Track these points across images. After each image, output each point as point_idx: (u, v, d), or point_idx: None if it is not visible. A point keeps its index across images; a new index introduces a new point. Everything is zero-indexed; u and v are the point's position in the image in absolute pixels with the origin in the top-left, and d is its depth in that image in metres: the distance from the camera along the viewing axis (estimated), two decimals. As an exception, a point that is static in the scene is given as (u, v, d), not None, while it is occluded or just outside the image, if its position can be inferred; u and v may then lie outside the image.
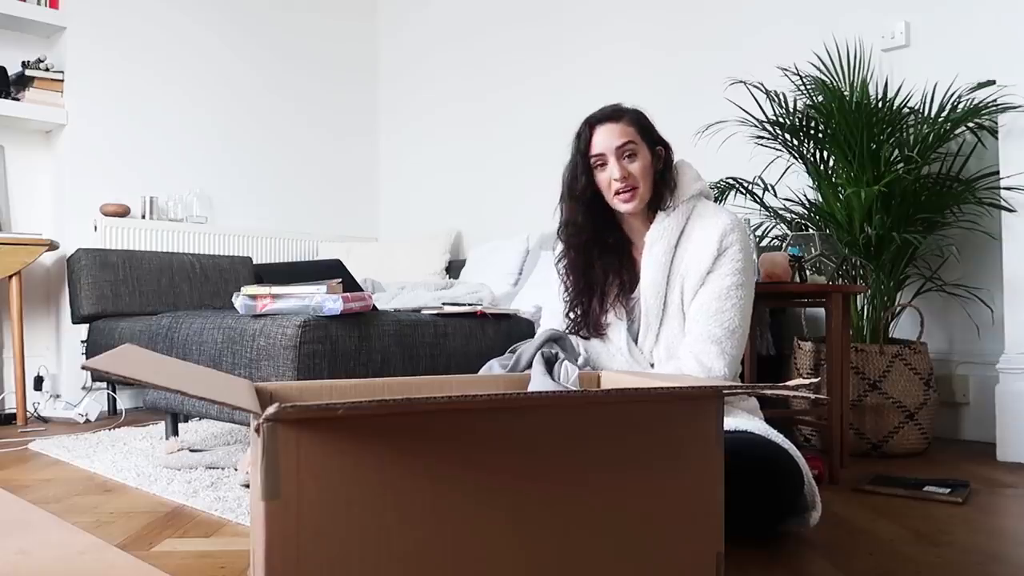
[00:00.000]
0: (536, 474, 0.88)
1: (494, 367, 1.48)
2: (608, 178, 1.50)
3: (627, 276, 1.55)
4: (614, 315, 1.55)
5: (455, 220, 4.13)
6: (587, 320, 1.56)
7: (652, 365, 1.53)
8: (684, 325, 1.50)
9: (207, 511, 1.65)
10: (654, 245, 1.51)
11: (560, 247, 1.61)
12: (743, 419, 1.47)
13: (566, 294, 1.59)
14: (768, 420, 1.55)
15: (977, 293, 2.45)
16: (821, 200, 2.51)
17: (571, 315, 1.58)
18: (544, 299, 1.80)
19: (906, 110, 2.41)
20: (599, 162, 1.51)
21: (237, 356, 1.97)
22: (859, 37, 2.63)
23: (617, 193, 1.49)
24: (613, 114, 1.52)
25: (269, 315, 1.95)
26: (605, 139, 1.49)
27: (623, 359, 1.54)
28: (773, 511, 1.39)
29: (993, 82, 2.31)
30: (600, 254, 1.56)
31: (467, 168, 4.14)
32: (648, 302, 1.51)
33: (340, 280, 1.97)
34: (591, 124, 1.52)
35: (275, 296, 1.95)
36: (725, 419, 1.44)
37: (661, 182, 1.53)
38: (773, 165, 2.65)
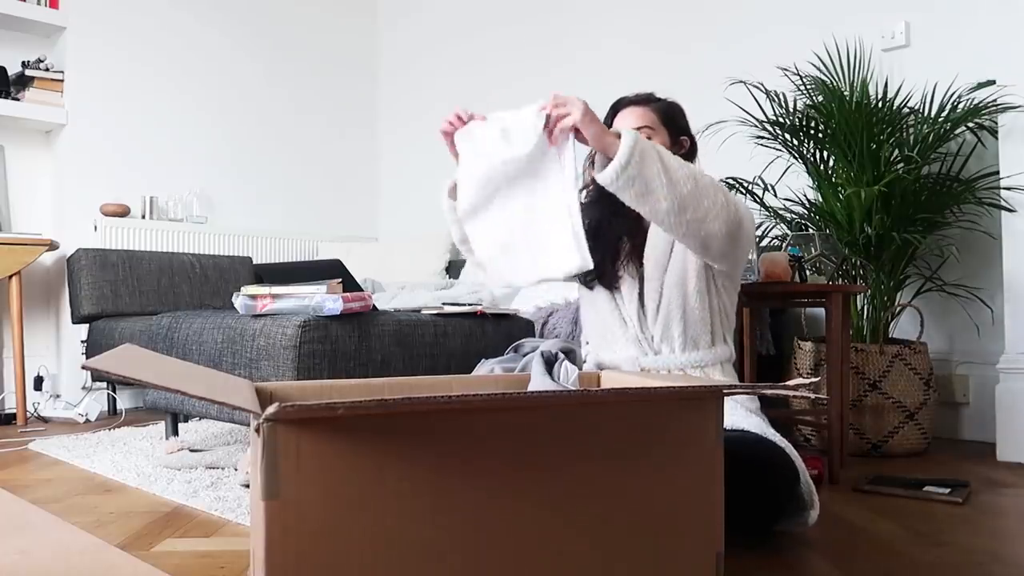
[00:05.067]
0: (536, 474, 0.88)
1: (496, 370, 1.48)
2: None
3: (637, 243, 1.60)
4: (627, 273, 1.59)
5: (455, 220, 4.12)
6: (601, 270, 1.59)
7: (653, 338, 1.54)
8: (684, 306, 1.53)
9: (207, 511, 1.65)
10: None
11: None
12: (740, 417, 1.48)
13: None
14: (768, 420, 1.55)
15: (977, 293, 2.45)
16: (821, 200, 2.51)
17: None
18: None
19: (906, 110, 2.41)
20: None
21: (237, 356, 1.97)
22: (859, 37, 2.63)
23: None
24: (639, 99, 1.61)
25: (269, 315, 1.95)
26: (624, 120, 1.59)
27: (631, 326, 1.56)
28: (767, 509, 1.39)
29: (993, 82, 2.31)
30: (612, 218, 1.61)
31: (467, 168, 4.13)
32: (650, 273, 1.56)
33: (340, 280, 1.97)
34: (616, 106, 1.62)
35: (275, 296, 1.95)
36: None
37: None
38: (773, 165, 2.65)
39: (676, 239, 1.45)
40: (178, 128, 3.76)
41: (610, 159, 1.31)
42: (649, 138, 1.53)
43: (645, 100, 1.61)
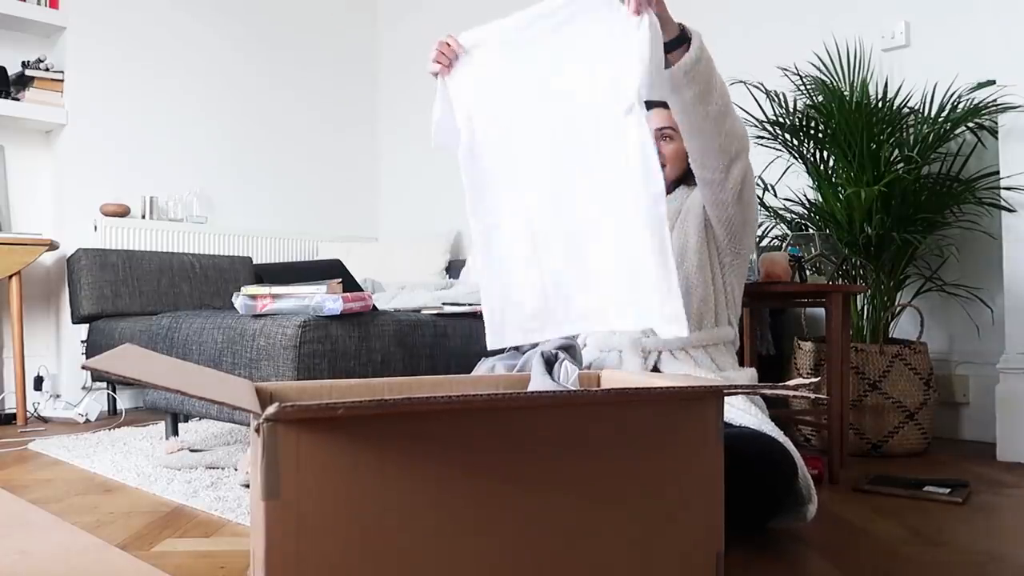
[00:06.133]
0: (536, 474, 0.88)
1: (497, 367, 1.48)
2: None
3: None
4: None
5: (455, 220, 4.13)
6: None
7: None
8: (686, 283, 1.55)
9: (207, 511, 1.65)
10: (669, 204, 1.62)
11: None
12: (737, 412, 1.48)
13: None
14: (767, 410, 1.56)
15: (977, 293, 2.45)
16: (821, 200, 2.51)
17: None
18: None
19: (906, 110, 2.41)
20: None
21: (237, 356, 1.97)
22: (859, 37, 2.63)
23: None
24: (662, 102, 1.65)
25: (269, 315, 1.95)
26: (648, 120, 1.61)
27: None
28: (765, 505, 1.38)
29: (993, 82, 2.31)
30: None
31: (467, 168, 4.13)
32: None
33: (340, 280, 1.97)
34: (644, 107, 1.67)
35: (275, 296, 1.95)
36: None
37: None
38: (773, 165, 2.65)
39: (713, 148, 1.46)
40: (178, 128, 3.76)
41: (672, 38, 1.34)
42: (670, 137, 1.64)
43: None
